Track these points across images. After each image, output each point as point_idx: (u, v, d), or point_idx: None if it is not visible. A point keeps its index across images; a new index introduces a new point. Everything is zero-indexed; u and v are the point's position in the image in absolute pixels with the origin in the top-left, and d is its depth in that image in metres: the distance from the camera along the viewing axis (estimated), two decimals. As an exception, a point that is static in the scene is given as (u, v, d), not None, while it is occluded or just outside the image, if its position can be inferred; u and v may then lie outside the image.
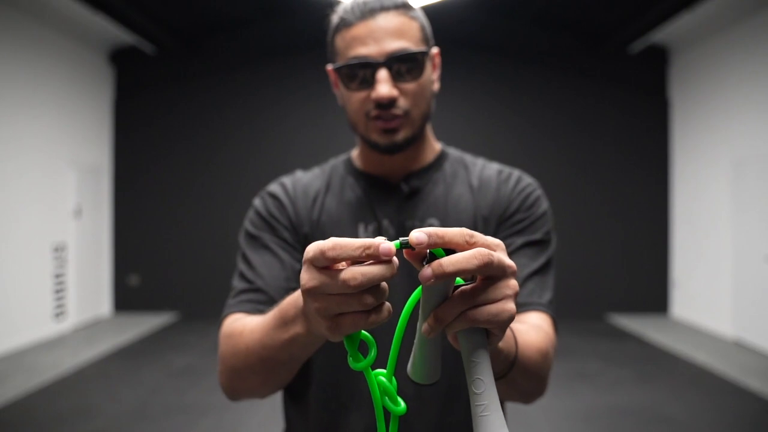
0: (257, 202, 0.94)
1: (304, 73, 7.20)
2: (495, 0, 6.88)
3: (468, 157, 0.98)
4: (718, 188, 6.33)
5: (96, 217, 7.15)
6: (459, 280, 0.46)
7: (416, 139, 0.89)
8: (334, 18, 0.86)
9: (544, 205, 0.92)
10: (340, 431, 0.85)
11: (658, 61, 7.41)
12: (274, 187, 0.95)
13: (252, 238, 0.91)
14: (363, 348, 0.74)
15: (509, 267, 0.45)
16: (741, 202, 5.90)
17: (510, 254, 0.86)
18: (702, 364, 5.09)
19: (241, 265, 0.89)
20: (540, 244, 0.89)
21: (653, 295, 7.38)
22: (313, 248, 0.43)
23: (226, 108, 7.52)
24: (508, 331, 0.65)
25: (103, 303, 7.30)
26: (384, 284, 0.44)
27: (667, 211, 7.42)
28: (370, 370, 0.47)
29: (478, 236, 0.44)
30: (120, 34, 6.79)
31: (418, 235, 0.42)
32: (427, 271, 0.41)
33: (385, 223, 0.88)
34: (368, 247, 0.42)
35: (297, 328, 0.61)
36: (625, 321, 6.97)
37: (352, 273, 0.42)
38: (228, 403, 3.99)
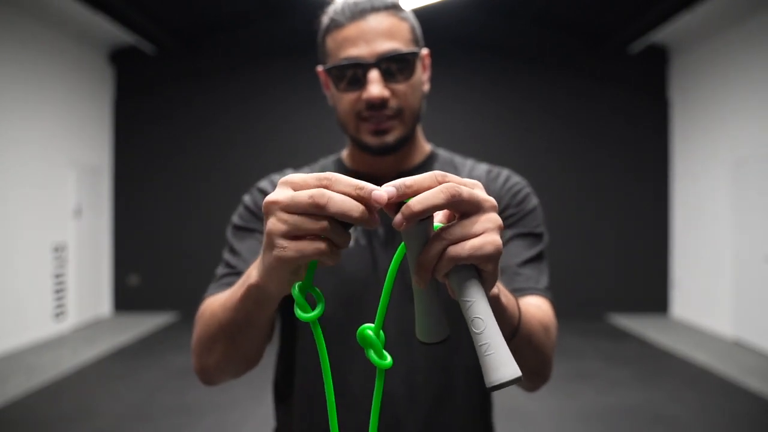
0: (246, 197, 0.94)
1: (305, 73, 7.13)
2: (495, 0, 6.88)
3: (458, 158, 0.98)
4: (718, 188, 6.32)
5: (96, 217, 7.16)
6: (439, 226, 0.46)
7: (407, 140, 0.89)
8: (325, 19, 0.86)
9: (534, 201, 0.93)
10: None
11: (658, 61, 7.41)
12: (263, 183, 0.95)
13: (239, 229, 0.91)
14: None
15: (486, 200, 0.44)
16: (741, 202, 5.89)
17: (503, 245, 0.85)
18: (702, 364, 5.09)
19: (226, 255, 0.90)
20: (532, 236, 0.89)
21: (653, 295, 7.38)
22: (308, 174, 0.44)
23: (227, 108, 7.53)
24: (508, 292, 0.65)
25: (103, 303, 7.31)
26: (349, 239, 0.44)
27: (667, 211, 7.41)
28: (317, 323, 0.46)
29: (451, 176, 0.43)
30: (120, 34, 6.79)
31: (387, 189, 0.42)
32: (397, 217, 0.41)
33: None
34: (361, 188, 0.42)
35: (252, 279, 0.60)
36: (625, 321, 6.97)
37: (321, 192, 0.42)
38: (228, 403, 3.99)
